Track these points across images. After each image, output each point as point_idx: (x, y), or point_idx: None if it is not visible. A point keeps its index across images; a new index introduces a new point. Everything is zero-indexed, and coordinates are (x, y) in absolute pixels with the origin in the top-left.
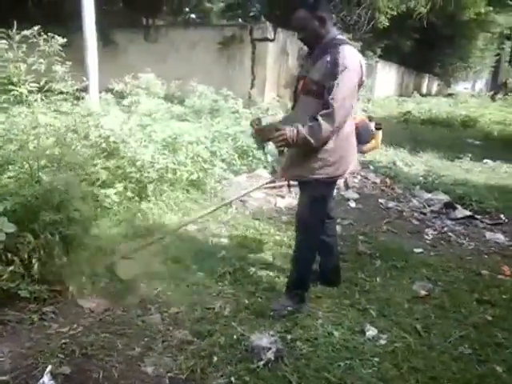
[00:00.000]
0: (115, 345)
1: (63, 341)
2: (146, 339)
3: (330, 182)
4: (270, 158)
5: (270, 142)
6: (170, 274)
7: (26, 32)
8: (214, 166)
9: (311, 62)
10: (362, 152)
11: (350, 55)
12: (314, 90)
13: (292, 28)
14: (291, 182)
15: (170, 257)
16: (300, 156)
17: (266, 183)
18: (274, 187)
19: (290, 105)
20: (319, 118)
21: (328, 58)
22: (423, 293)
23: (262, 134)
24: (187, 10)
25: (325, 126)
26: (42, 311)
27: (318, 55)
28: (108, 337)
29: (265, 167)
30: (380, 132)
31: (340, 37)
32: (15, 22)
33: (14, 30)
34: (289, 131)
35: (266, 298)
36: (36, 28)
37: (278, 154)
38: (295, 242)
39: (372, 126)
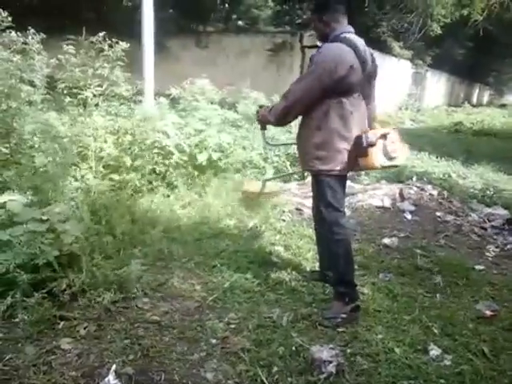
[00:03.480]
0: (175, 348)
1: (125, 341)
2: (204, 345)
3: (326, 175)
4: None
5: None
6: (225, 279)
7: (92, 38)
8: (265, 172)
9: None
10: (360, 167)
11: (325, 50)
12: None
13: None
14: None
15: (225, 262)
16: (299, 148)
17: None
18: None
19: None
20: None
21: None
22: (488, 313)
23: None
24: (235, 17)
25: (278, 105)
26: (105, 310)
27: None
28: (168, 340)
29: None
30: (372, 150)
31: (342, 35)
32: (84, 29)
33: (83, 37)
34: (262, 110)
35: (323, 309)
36: (101, 34)
37: (260, 129)
38: (322, 239)
39: (367, 138)
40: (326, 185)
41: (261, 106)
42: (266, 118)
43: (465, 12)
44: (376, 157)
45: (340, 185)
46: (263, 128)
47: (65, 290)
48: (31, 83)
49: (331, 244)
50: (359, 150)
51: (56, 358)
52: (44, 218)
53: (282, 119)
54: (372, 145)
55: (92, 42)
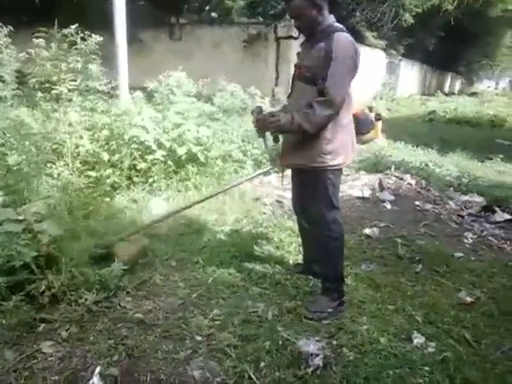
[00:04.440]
0: (160, 347)
1: (109, 342)
2: (190, 342)
3: (330, 171)
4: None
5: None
6: (209, 275)
7: (65, 31)
8: (245, 165)
9: (307, 50)
10: (361, 142)
11: (345, 42)
12: (308, 76)
13: (289, 16)
14: (285, 171)
15: (207, 258)
16: (298, 144)
17: (264, 172)
18: None
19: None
20: (314, 105)
21: (323, 45)
22: (469, 300)
23: (261, 122)
24: (208, 8)
25: (320, 112)
26: (87, 311)
27: (314, 42)
28: (153, 339)
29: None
30: (380, 123)
31: (336, 24)
32: (56, 22)
33: (55, 29)
34: (283, 117)
35: (309, 302)
36: (73, 27)
37: (273, 141)
38: (316, 236)
39: (372, 116)
40: (329, 181)
41: (257, 111)
42: (294, 127)
43: (436, 1)
44: (380, 127)
45: (339, 179)
46: (277, 140)
47: (44, 291)
48: (0, 78)
49: (327, 241)
50: (367, 125)
51: (37, 362)
52: (20, 217)
53: (322, 127)
54: (380, 118)
55: (64, 35)
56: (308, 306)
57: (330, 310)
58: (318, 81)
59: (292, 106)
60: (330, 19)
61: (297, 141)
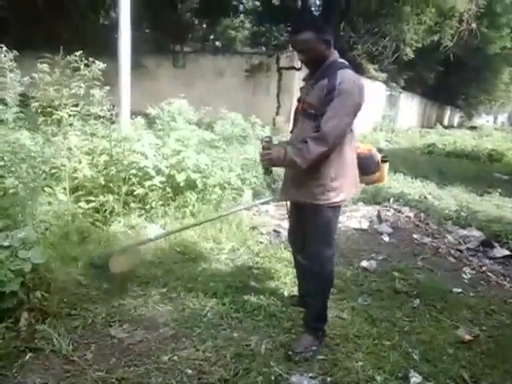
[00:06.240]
0: (150, 380)
1: (97, 373)
2: (181, 375)
3: (331, 208)
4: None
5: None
6: (202, 305)
7: (68, 57)
8: (243, 193)
9: (311, 84)
10: (365, 183)
11: (347, 79)
12: (310, 112)
13: (296, 49)
14: (288, 204)
15: (202, 287)
16: (301, 179)
17: (264, 201)
18: None
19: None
20: (308, 141)
21: (326, 82)
22: (467, 337)
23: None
24: (212, 37)
25: (313, 148)
26: (76, 340)
27: (318, 78)
28: (142, 371)
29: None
30: (386, 165)
31: (340, 60)
32: (60, 48)
33: (60, 56)
34: (276, 151)
35: (293, 342)
36: (78, 53)
37: (264, 174)
38: (310, 274)
39: (378, 157)
40: (329, 219)
41: (267, 141)
42: (286, 161)
43: (435, 38)
44: (386, 170)
45: (338, 215)
46: (269, 172)
47: (32, 319)
48: (2, 101)
49: (318, 279)
50: (371, 166)
51: None
52: (5, 243)
53: (315, 163)
54: (386, 161)
55: (68, 62)
56: (293, 346)
57: (314, 348)
58: (317, 116)
59: (294, 141)
60: (335, 55)
61: (300, 176)
